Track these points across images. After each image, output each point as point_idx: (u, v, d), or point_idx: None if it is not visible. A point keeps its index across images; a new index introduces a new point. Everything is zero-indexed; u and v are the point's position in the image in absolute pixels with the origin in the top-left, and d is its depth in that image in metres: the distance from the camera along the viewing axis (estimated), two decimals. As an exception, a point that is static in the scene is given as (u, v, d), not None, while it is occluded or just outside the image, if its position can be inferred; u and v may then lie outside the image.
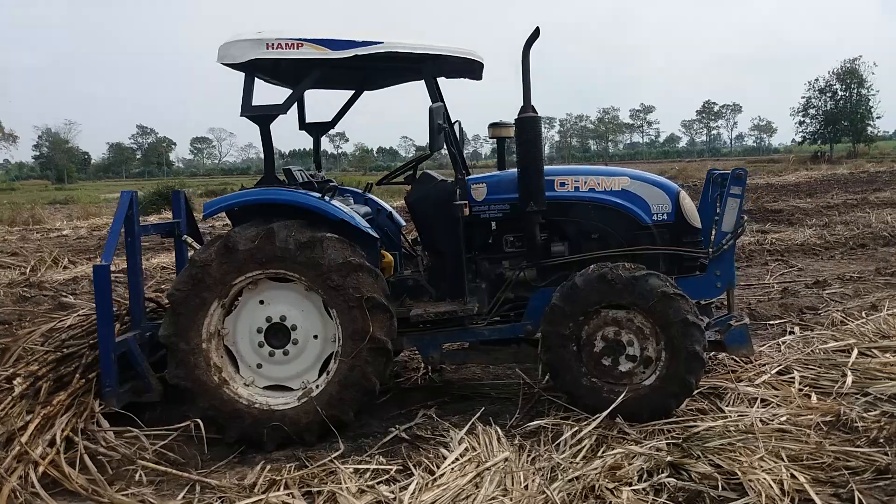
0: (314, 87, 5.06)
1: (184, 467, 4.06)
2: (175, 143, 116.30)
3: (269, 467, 4.00)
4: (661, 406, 4.34)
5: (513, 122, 5.78)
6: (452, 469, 3.74)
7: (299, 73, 4.66)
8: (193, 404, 4.47)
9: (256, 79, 4.66)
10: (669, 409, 4.34)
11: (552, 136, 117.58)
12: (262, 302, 4.55)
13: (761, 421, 4.17)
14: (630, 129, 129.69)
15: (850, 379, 4.78)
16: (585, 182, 4.87)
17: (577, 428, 4.12)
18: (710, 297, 5.07)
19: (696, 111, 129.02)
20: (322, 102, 6.19)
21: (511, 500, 3.41)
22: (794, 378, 4.91)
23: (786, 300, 7.42)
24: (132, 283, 4.96)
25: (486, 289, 4.91)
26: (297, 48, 4.40)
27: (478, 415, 4.46)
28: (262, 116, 4.59)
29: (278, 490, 3.70)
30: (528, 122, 4.62)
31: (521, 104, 4.65)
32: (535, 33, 4.58)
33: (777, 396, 4.64)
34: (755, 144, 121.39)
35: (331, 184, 5.53)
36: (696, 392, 4.65)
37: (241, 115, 4.53)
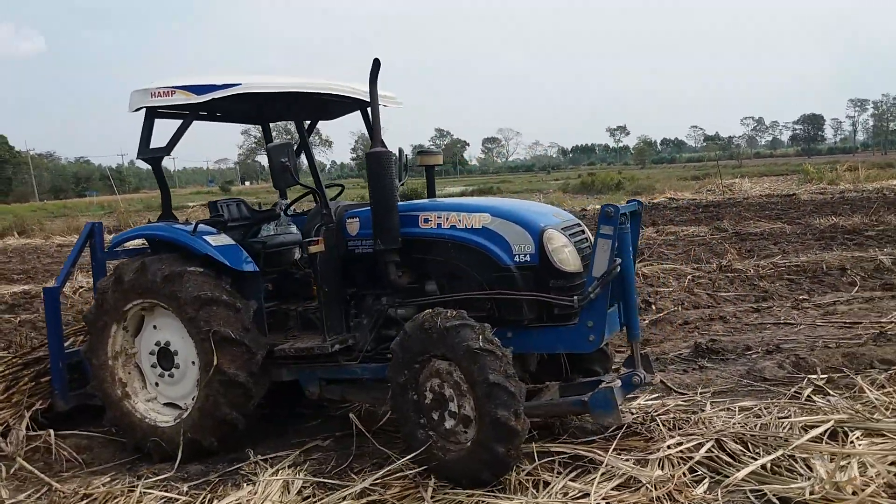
0: (215, 119, 5.41)
1: (52, 469, 4.67)
2: (468, 144, 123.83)
3: (109, 480, 4.41)
4: (474, 476, 3.88)
5: (440, 150, 5.55)
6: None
7: (185, 116, 4.98)
8: (105, 413, 5.07)
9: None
10: (483, 480, 3.86)
11: (865, 119, 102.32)
12: (154, 327, 4.97)
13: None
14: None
15: (747, 470, 3.78)
16: (447, 219, 4.48)
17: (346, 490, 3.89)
18: (584, 351, 4.32)
19: None
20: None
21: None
22: (693, 457, 4.01)
23: (861, 350, 5.91)
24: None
25: (366, 325, 4.78)
26: (171, 95, 4.72)
27: (291, 458, 4.49)
28: (153, 158, 5.00)
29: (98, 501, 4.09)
30: (378, 156, 4.41)
31: (371, 140, 4.46)
32: (376, 65, 4.39)
33: (648, 479, 3.84)
34: None
35: (279, 208, 5.81)
36: (548, 459, 4.08)
37: (136, 158, 5.00)
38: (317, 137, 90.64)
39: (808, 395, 4.92)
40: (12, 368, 5.38)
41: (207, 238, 4.82)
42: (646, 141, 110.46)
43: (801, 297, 8.39)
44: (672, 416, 4.74)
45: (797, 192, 23.65)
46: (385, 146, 4.47)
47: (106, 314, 4.95)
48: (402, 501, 3.79)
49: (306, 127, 5.82)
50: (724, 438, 4.21)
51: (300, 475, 4.12)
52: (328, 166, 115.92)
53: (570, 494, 3.75)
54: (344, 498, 3.81)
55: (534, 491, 3.82)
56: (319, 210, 5.09)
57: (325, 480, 4.07)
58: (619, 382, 4.15)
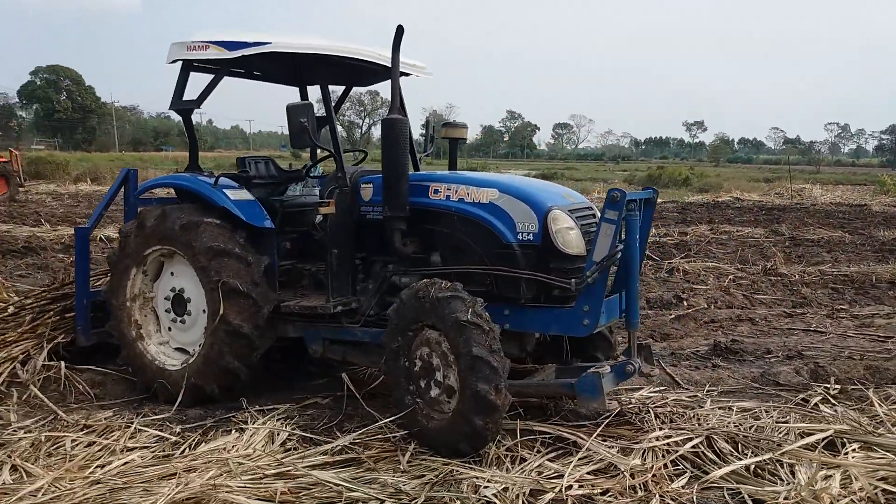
0: (253, 77, 5.48)
1: (65, 399, 4.91)
2: (539, 128, 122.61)
3: (111, 415, 4.62)
4: (453, 445, 3.91)
5: (465, 124, 5.55)
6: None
7: (217, 71, 5.09)
8: (120, 352, 5.29)
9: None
10: (461, 451, 3.88)
11: None
12: (172, 273, 5.14)
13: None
14: None
15: (727, 469, 3.70)
16: (456, 191, 4.48)
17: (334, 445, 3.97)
18: (578, 334, 4.26)
19: None
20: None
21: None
22: (678, 451, 3.95)
23: (886, 364, 5.67)
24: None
25: (371, 290, 4.84)
26: (205, 49, 4.83)
27: (282, 411, 4.60)
28: (184, 110, 5.14)
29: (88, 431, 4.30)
30: (394, 123, 4.42)
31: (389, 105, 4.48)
32: (399, 32, 4.38)
33: (626, 467, 3.80)
34: None
35: (305, 171, 5.88)
36: (531, 438, 4.08)
37: (169, 108, 5.15)
38: (385, 109, 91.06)
39: (816, 404, 4.77)
40: (40, 302, 5.64)
41: (227, 192, 4.94)
42: (723, 139, 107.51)
43: (839, 306, 8.08)
44: (669, 409, 4.66)
45: (869, 203, 22.67)
46: (404, 114, 4.47)
47: (127, 257, 5.14)
48: (379, 463, 3.84)
49: (336, 92, 5.88)
50: (714, 436, 4.12)
51: (286, 428, 4.23)
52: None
53: (544, 473, 3.75)
54: (323, 453, 3.89)
55: (509, 466, 3.83)
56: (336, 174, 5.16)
57: (308, 435, 4.16)
58: (607, 369, 4.09)
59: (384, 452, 3.97)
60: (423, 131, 6.02)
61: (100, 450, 4.00)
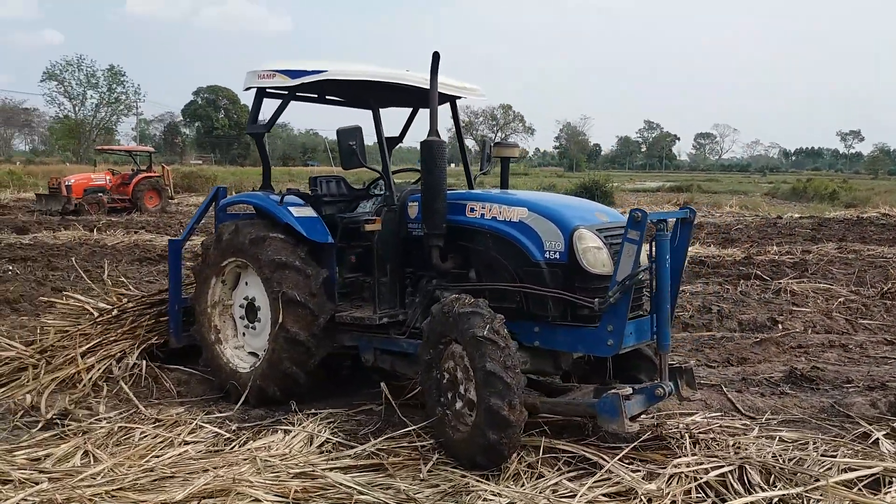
0: (321, 101, 5.86)
1: (152, 395, 5.47)
2: (678, 138, 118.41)
3: (183, 411, 5.11)
4: (472, 458, 4.04)
5: (516, 144, 5.68)
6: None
7: (284, 97, 5.50)
8: (202, 354, 5.82)
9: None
10: (479, 464, 4.00)
11: None
12: (246, 283, 5.60)
13: None
14: None
15: (748, 499, 3.58)
16: (490, 210, 4.61)
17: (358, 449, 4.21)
18: (603, 355, 4.25)
19: None
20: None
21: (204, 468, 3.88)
22: (704, 479, 3.86)
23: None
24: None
25: (418, 303, 5.06)
26: (272, 77, 5.27)
27: (325, 414, 4.88)
28: (256, 133, 5.60)
29: (158, 425, 4.80)
30: (432, 145, 4.63)
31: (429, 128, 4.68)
32: (436, 58, 4.58)
33: (644, 492, 3.77)
34: None
35: (365, 189, 6.18)
36: (553, 456, 4.14)
37: (245, 132, 5.62)
38: (519, 124, 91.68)
39: (878, 439, 4.47)
40: (140, 306, 6.29)
41: (291, 209, 5.33)
42: (883, 149, 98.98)
43: (955, 337, 7.38)
44: (712, 436, 4.54)
45: None
46: (439, 136, 4.66)
47: (208, 267, 5.66)
48: (400, 470, 4.04)
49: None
50: (748, 466, 3.99)
51: (325, 431, 4.51)
52: (530, 154, 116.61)
53: (558, 492, 3.80)
54: (351, 457, 4.15)
55: (526, 482, 3.91)
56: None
57: (342, 440, 4.42)
58: (629, 390, 4.07)
59: (409, 460, 4.17)
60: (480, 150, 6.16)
61: (161, 442, 4.46)
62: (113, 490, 3.71)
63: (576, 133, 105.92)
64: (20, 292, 8.87)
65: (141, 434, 4.56)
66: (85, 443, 4.36)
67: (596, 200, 24.27)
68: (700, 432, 4.61)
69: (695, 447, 4.36)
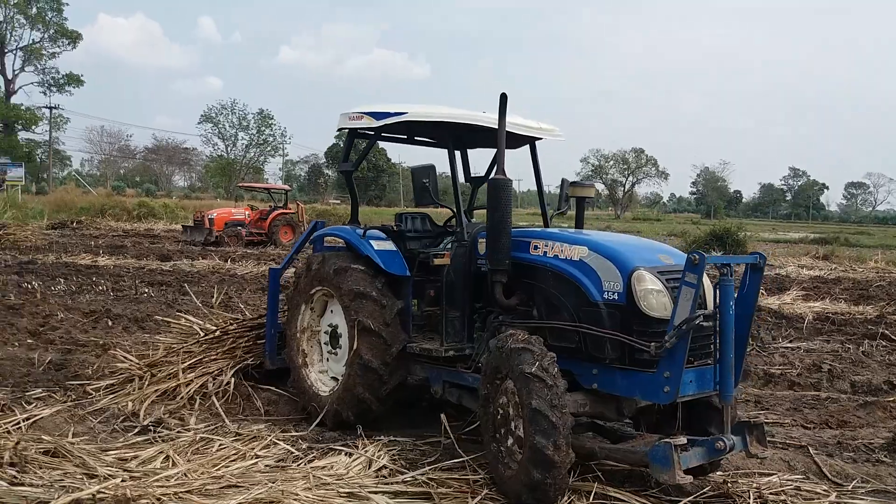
0: (405, 142, 6.12)
1: (243, 412, 5.84)
2: (827, 187, 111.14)
3: (263, 427, 5.42)
4: (518, 496, 4.04)
5: (592, 183, 5.70)
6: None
7: (370, 137, 5.82)
8: (286, 376, 6.16)
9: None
10: (525, 502, 4.00)
11: None
12: (331, 311, 5.90)
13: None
14: None
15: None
16: (552, 248, 4.64)
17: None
18: (659, 402, 4.11)
19: None
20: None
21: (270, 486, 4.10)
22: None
23: None
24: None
25: (485, 338, 5.13)
26: (360, 119, 5.61)
27: (386, 440, 5.05)
28: (345, 172, 5.94)
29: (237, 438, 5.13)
30: (500, 184, 4.74)
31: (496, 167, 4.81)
32: (503, 99, 4.71)
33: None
34: None
35: (444, 226, 6.35)
36: (599, 502, 4.06)
37: (336, 171, 5.99)
38: (653, 168, 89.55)
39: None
40: (241, 329, 6.75)
41: (373, 242, 5.60)
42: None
43: None
44: (782, 497, 4.29)
45: None
46: (505, 175, 4.77)
47: (298, 295, 6.02)
48: (446, 500, 4.10)
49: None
50: (813, 531, 3.75)
51: (384, 457, 4.65)
52: (664, 199, 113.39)
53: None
54: (400, 482, 4.26)
55: (571, 525, 3.86)
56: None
57: (398, 468, 4.54)
58: (683, 441, 3.93)
59: (458, 493, 4.22)
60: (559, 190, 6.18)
61: (235, 454, 4.76)
62: (181, 492, 4.01)
63: (714, 178, 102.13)
64: (148, 312, 9.72)
65: (219, 445, 4.89)
66: (168, 449, 4.73)
67: (727, 249, 23.11)
68: (771, 493, 4.37)
69: (759, 507, 4.14)
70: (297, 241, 6.76)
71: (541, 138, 5.84)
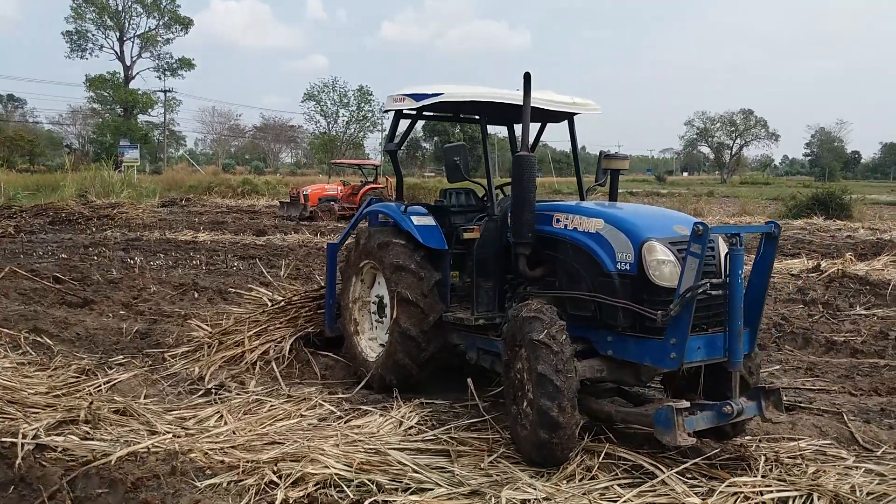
0: (446, 119, 6.32)
1: (301, 377, 6.32)
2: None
3: (314, 390, 5.86)
4: (529, 455, 4.29)
5: (626, 155, 5.77)
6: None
7: (413, 117, 6.08)
8: (343, 343, 6.59)
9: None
10: (535, 461, 4.25)
11: None
12: (379, 283, 6.26)
13: None
14: None
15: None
16: (572, 221, 4.77)
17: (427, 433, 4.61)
18: (666, 368, 4.19)
19: None
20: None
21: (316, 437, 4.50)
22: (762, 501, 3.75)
23: None
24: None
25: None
26: (403, 101, 5.87)
27: (418, 402, 5.38)
28: (391, 151, 6.23)
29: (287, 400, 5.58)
30: (525, 160, 4.90)
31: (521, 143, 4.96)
32: (527, 79, 4.84)
33: (691, 504, 3.77)
34: None
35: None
36: (610, 460, 4.24)
37: (382, 150, 6.30)
38: (762, 129, 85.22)
39: None
40: (304, 300, 7.23)
41: (413, 217, 5.88)
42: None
43: None
44: (798, 461, 4.33)
45: None
46: (530, 151, 4.93)
47: (350, 268, 6.41)
48: (464, 457, 4.39)
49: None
50: (816, 493, 3.81)
51: (415, 418, 4.98)
52: (776, 161, 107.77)
53: (606, 496, 3.91)
54: (424, 440, 4.58)
55: (578, 482, 4.07)
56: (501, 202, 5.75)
57: (422, 428, 4.85)
58: (686, 404, 4.05)
59: (476, 451, 4.50)
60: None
61: (282, 413, 5.22)
62: (226, 447, 4.48)
63: (830, 139, 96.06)
64: (233, 285, 10.44)
65: (270, 406, 5.36)
66: (224, 409, 5.24)
67: (829, 214, 21.99)
68: (788, 456, 4.41)
69: (774, 471, 4.20)
70: (354, 218, 7.15)
71: (577, 113, 5.93)
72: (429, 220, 5.93)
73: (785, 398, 5.51)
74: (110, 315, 8.68)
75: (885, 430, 5.00)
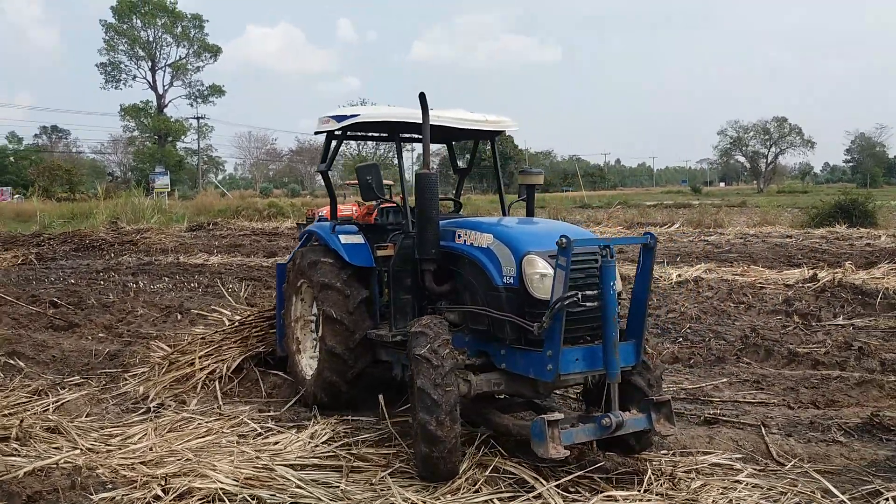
0: (369, 139, 6.42)
1: (249, 395, 6.45)
2: None
3: (248, 409, 5.98)
4: (419, 470, 4.33)
5: (541, 171, 5.81)
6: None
7: (338, 138, 6.22)
8: (286, 361, 6.71)
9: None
10: (421, 475, 4.30)
11: None
12: (318, 301, 6.37)
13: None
14: None
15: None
16: (469, 236, 4.82)
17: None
18: (545, 380, 4.18)
19: None
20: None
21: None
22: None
23: None
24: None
25: None
26: (328, 123, 6.01)
27: (334, 418, 5.45)
28: (322, 171, 6.36)
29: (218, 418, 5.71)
30: (426, 178, 4.97)
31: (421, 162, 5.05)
32: (422, 98, 4.93)
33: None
34: None
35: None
36: (495, 474, 4.26)
37: (318, 170, 6.43)
38: (797, 137, 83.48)
39: (890, 499, 3.86)
40: (257, 320, 7.38)
41: (341, 236, 5.99)
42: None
43: None
44: (692, 476, 4.29)
45: None
46: (431, 169, 5.00)
47: (290, 287, 6.54)
48: (353, 473, 4.44)
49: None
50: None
51: (327, 434, 5.06)
52: (816, 169, 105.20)
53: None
54: (323, 456, 4.66)
55: (462, 496, 4.09)
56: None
57: (329, 444, 4.93)
58: (558, 416, 4.04)
59: (374, 466, 4.56)
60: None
61: (206, 431, 5.34)
62: (136, 463, 4.63)
63: (870, 144, 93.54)
64: (219, 305, 10.66)
65: (197, 424, 5.50)
66: (151, 427, 5.39)
67: (853, 222, 21.46)
68: (684, 471, 4.37)
69: (661, 485, 4.16)
70: (300, 238, 7.29)
71: (491, 130, 5.99)
72: (357, 239, 6.03)
73: (716, 412, 5.50)
74: (89, 338, 8.95)
75: (803, 444, 4.90)
